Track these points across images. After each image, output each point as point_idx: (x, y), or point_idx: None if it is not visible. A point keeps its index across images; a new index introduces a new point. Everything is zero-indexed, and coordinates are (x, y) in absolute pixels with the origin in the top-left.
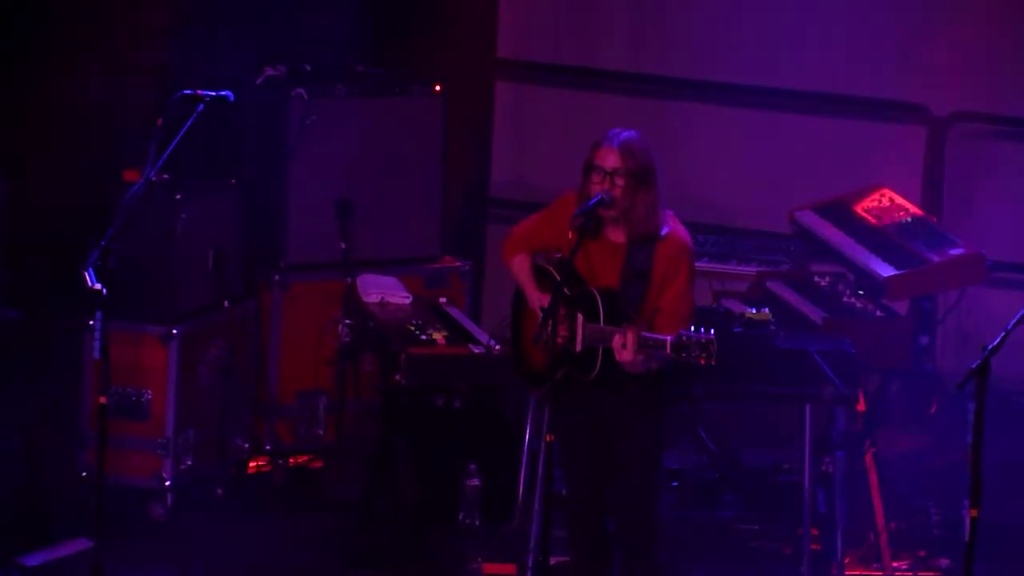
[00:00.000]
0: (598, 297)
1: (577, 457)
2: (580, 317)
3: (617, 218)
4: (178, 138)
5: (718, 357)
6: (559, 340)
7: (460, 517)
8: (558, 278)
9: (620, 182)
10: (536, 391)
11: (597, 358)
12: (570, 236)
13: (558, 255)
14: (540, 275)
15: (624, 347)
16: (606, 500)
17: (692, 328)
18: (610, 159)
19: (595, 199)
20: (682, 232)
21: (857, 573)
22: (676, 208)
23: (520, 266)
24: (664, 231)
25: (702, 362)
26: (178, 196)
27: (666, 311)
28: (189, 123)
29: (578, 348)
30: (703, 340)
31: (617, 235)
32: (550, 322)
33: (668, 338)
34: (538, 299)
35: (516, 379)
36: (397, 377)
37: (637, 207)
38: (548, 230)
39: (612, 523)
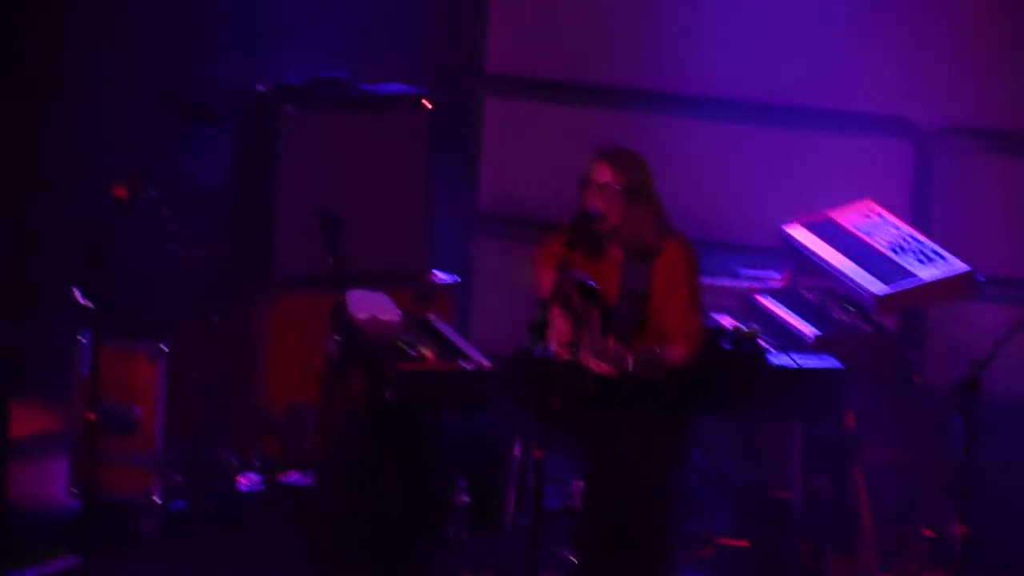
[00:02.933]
0: (596, 317)
1: (592, 472)
2: (586, 335)
3: (607, 234)
4: (166, 152)
5: (709, 372)
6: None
7: (449, 532)
8: (575, 298)
9: (611, 196)
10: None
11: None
12: (562, 252)
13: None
14: (559, 292)
15: (591, 361)
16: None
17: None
18: (602, 173)
19: (580, 215)
20: (682, 248)
21: None
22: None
23: (543, 283)
24: (663, 247)
25: (656, 378)
26: (166, 211)
27: (673, 328)
28: (177, 138)
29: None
30: (654, 358)
31: (616, 251)
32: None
33: (630, 356)
34: (556, 312)
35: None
36: (387, 393)
37: (629, 222)
38: (556, 250)
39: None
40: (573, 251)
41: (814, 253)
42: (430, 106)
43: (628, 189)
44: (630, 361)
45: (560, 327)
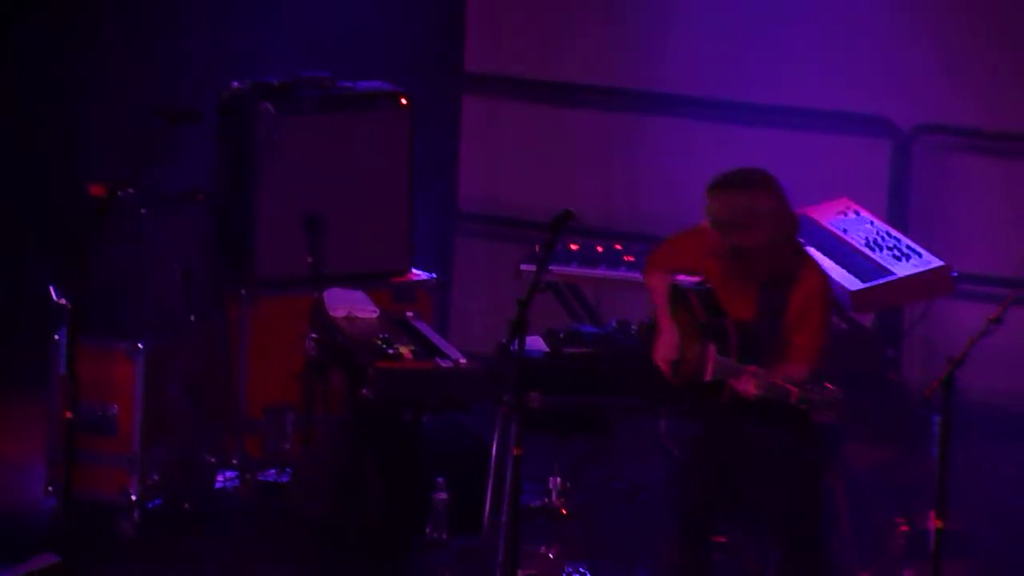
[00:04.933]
0: (731, 332)
1: (698, 478)
2: (712, 348)
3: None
4: (145, 152)
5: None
6: (689, 367)
7: (428, 531)
8: (696, 305)
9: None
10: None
11: (726, 389)
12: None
13: (699, 280)
14: (677, 297)
15: (747, 385)
16: (716, 523)
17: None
18: (713, 207)
19: (560, 214)
20: (819, 272)
21: None
22: (645, 222)
23: (656, 285)
24: (799, 269)
25: (827, 420)
26: (144, 211)
27: (799, 345)
28: (156, 138)
29: (707, 378)
30: (831, 399)
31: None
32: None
33: (794, 390)
34: (668, 323)
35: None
36: (364, 391)
37: (749, 253)
38: (687, 255)
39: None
40: (548, 248)
41: None
42: (409, 104)
43: (728, 228)
44: (794, 397)
45: (669, 339)
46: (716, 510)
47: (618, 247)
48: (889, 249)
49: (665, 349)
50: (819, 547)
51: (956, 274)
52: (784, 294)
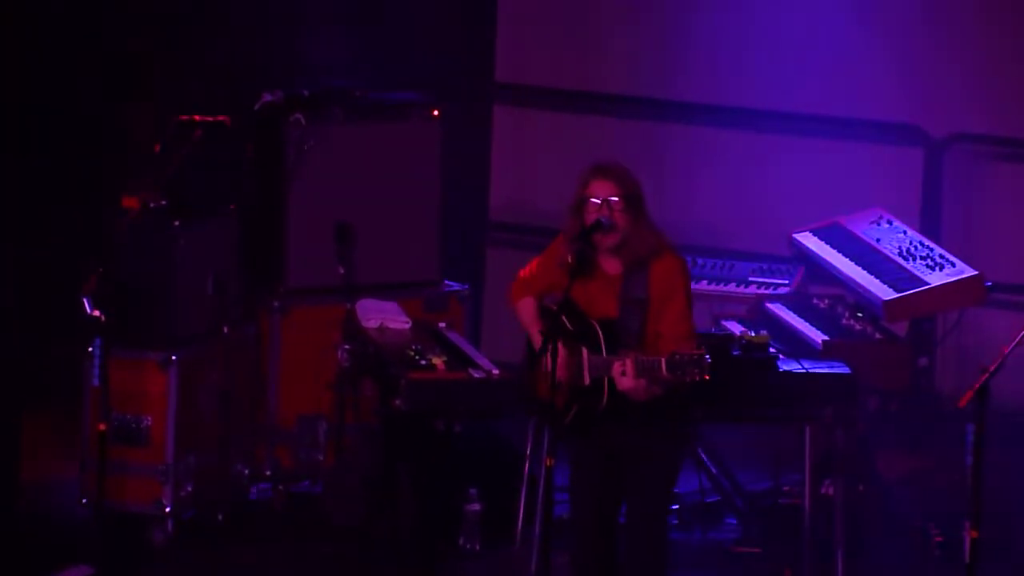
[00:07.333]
0: (598, 328)
1: (586, 484)
2: (584, 351)
3: (614, 246)
4: (176, 164)
5: (718, 380)
6: (567, 376)
7: (460, 542)
8: (564, 320)
9: (618, 207)
10: (554, 426)
11: (604, 389)
12: (569, 261)
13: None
14: (545, 316)
15: (623, 374)
16: (613, 527)
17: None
18: (605, 188)
19: (592, 224)
20: (676, 255)
21: None
22: (674, 231)
23: (524, 310)
24: (657, 255)
25: (696, 378)
26: (176, 222)
27: (667, 334)
28: (187, 149)
29: (586, 381)
30: (695, 356)
31: (611, 266)
32: (548, 356)
33: (663, 359)
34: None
35: (532, 414)
36: (397, 402)
37: (639, 231)
38: (549, 271)
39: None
40: (580, 263)
41: (823, 259)
42: (440, 114)
43: (631, 199)
44: (663, 366)
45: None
46: (610, 519)
47: None
48: (922, 258)
49: (561, 368)
50: (662, 557)
51: (989, 283)
52: (644, 284)
